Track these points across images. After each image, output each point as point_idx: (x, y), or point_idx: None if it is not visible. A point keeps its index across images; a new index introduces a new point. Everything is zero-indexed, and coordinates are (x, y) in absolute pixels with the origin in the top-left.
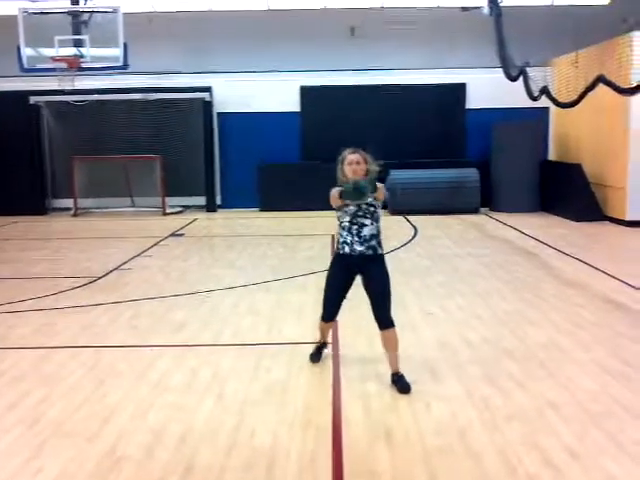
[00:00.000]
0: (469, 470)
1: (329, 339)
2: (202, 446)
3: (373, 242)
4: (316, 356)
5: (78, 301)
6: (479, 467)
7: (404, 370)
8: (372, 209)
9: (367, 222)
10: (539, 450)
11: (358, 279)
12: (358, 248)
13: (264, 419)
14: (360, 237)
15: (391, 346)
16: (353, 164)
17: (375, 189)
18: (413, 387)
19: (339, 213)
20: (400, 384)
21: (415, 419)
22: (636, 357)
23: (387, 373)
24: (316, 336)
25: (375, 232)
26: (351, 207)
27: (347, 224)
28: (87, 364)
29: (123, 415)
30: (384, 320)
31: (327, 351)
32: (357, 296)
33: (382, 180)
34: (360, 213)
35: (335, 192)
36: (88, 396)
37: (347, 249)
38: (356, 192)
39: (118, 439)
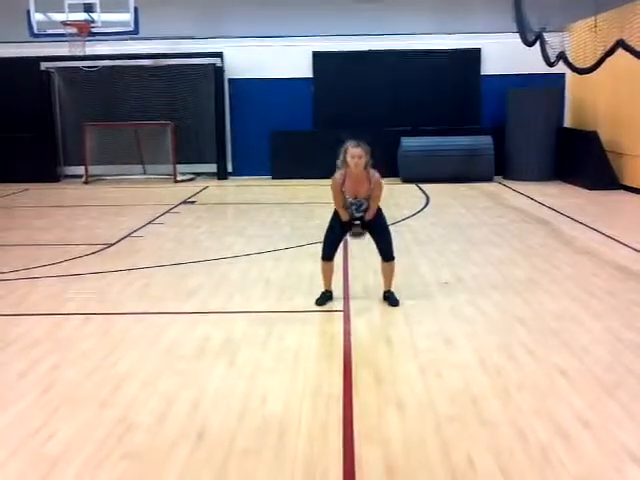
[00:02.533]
0: (481, 439)
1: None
2: (213, 413)
3: (368, 215)
4: (321, 301)
5: (90, 268)
6: (491, 436)
7: (418, 340)
8: (364, 204)
9: (364, 207)
10: (551, 419)
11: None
12: (357, 215)
13: (275, 386)
14: (358, 211)
15: (388, 273)
16: (356, 157)
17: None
18: (426, 355)
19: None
20: (390, 299)
21: (427, 387)
22: None
23: (398, 345)
24: (321, 283)
25: (370, 214)
26: (349, 198)
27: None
28: (99, 331)
29: (135, 382)
30: (387, 255)
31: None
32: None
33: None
34: (355, 205)
35: (338, 196)
36: (100, 363)
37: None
38: (356, 235)
39: (130, 406)
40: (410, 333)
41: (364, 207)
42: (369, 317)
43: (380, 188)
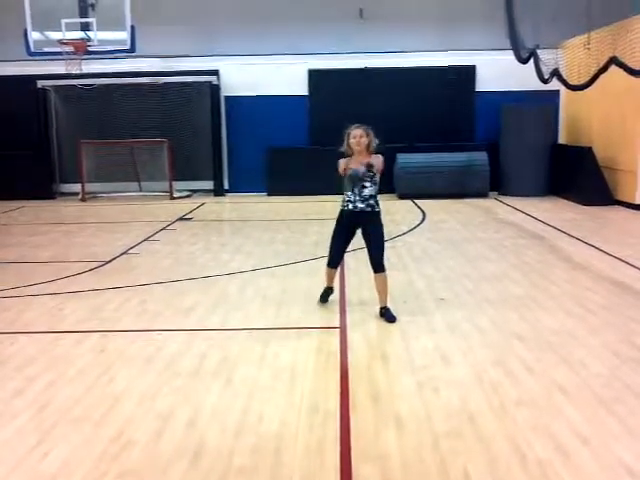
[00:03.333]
0: (479, 455)
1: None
2: (210, 431)
3: (371, 201)
4: (324, 297)
5: (86, 285)
6: (489, 452)
7: (415, 356)
8: (371, 174)
9: (367, 184)
10: (549, 435)
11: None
12: (360, 205)
13: (272, 404)
14: (361, 196)
15: (381, 287)
16: (357, 137)
17: (371, 170)
18: (423, 372)
19: (345, 178)
20: (387, 316)
21: (424, 403)
22: None
23: (395, 361)
24: (323, 281)
25: (373, 193)
26: (355, 174)
27: (351, 185)
28: (95, 349)
29: (131, 400)
30: (377, 266)
31: (333, 297)
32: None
33: (382, 153)
34: (366, 178)
35: (342, 165)
36: (96, 381)
37: (350, 206)
38: (354, 178)
39: (126, 424)
40: (407, 349)
41: (370, 168)
42: (365, 333)
43: (381, 164)
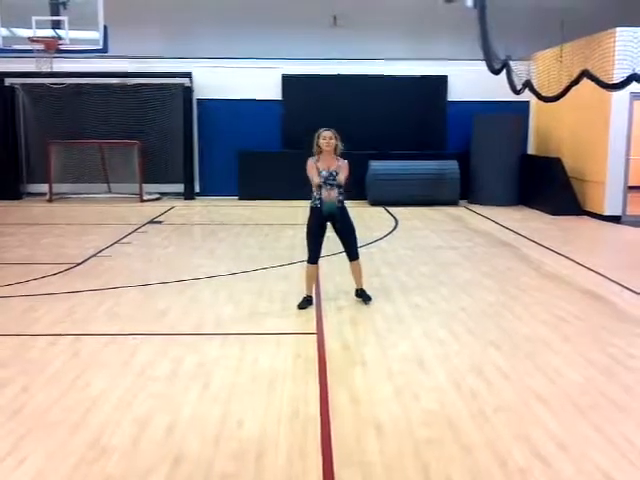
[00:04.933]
0: (460, 462)
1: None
2: (189, 437)
3: (340, 197)
4: (303, 305)
5: (57, 288)
6: (470, 459)
7: (392, 362)
8: (336, 177)
9: (334, 187)
10: (528, 442)
11: None
12: (330, 182)
13: (251, 409)
14: (330, 180)
15: (357, 272)
16: (327, 138)
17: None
18: (401, 378)
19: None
20: (363, 296)
21: (404, 410)
22: (618, 350)
23: (373, 367)
24: (302, 288)
25: (339, 193)
26: (323, 172)
27: (320, 187)
28: (68, 352)
29: (107, 405)
30: (352, 254)
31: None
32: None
33: (344, 156)
34: (329, 183)
35: (310, 165)
36: (70, 385)
37: (319, 204)
38: (328, 210)
39: (102, 429)
40: (384, 355)
41: (334, 176)
42: (343, 339)
43: (347, 169)
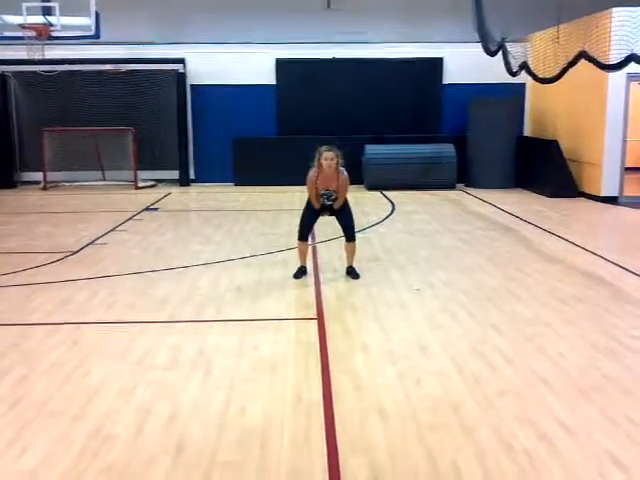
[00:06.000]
0: (465, 446)
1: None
2: (192, 425)
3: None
4: (297, 276)
5: (54, 276)
6: (475, 443)
7: (394, 347)
8: (334, 196)
9: (333, 197)
10: (532, 425)
11: None
12: (327, 203)
13: (254, 396)
14: (329, 200)
15: (350, 251)
16: (328, 159)
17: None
18: (403, 362)
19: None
20: (352, 273)
21: (407, 395)
22: (620, 332)
23: (375, 352)
24: (297, 261)
25: (338, 204)
26: (320, 191)
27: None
28: (67, 341)
29: (108, 393)
30: (350, 237)
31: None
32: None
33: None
34: (325, 199)
35: (311, 182)
36: (70, 374)
37: (322, 200)
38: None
39: (104, 418)
40: (386, 339)
41: (333, 197)
42: (343, 323)
43: (346, 186)
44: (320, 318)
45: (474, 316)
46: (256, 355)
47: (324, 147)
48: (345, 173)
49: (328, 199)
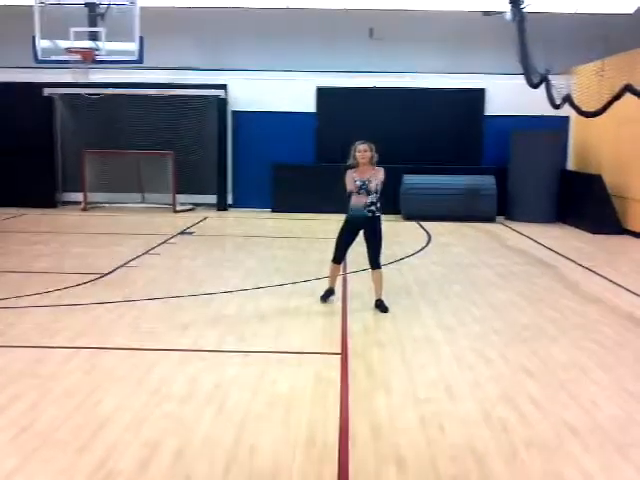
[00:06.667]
0: None
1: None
2: (199, 463)
3: (373, 207)
4: (324, 298)
5: (81, 299)
6: None
7: (419, 388)
8: (372, 184)
9: (366, 194)
10: None
11: None
12: (362, 211)
13: (266, 435)
14: (364, 203)
15: (377, 282)
16: (362, 151)
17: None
18: (427, 406)
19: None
20: (381, 307)
21: (428, 442)
22: None
23: (398, 394)
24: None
25: (375, 200)
26: (357, 182)
27: (354, 193)
28: (84, 367)
29: (118, 425)
30: (375, 263)
31: (334, 298)
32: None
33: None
34: (363, 191)
35: (349, 178)
36: (83, 402)
37: (355, 213)
38: (355, 215)
39: (110, 451)
40: (410, 380)
41: (367, 184)
42: (368, 360)
43: (382, 175)
44: (344, 353)
45: (505, 357)
46: (273, 391)
47: (358, 142)
48: (382, 169)
49: (362, 187)
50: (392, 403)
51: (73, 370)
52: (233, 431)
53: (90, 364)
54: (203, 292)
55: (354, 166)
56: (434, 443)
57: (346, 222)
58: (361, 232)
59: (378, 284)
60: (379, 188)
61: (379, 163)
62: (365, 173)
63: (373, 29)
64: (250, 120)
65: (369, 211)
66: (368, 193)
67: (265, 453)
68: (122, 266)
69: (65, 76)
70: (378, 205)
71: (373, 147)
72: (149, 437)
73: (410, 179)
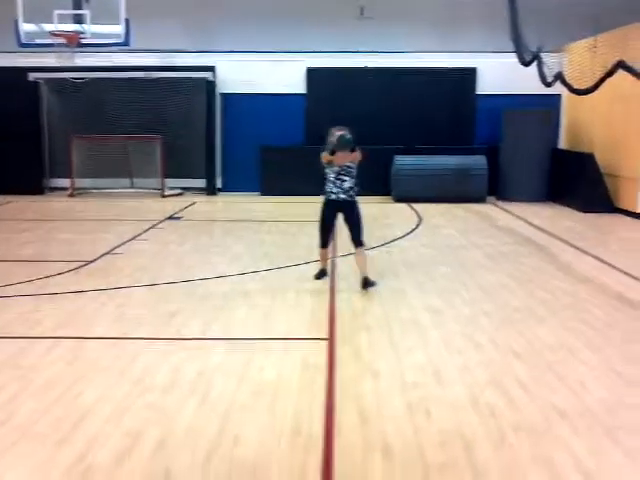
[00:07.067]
0: None
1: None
2: (181, 454)
3: (351, 192)
4: (319, 276)
5: (65, 287)
6: None
7: (406, 373)
8: (350, 169)
9: (346, 179)
10: (550, 468)
11: None
12: (342, 196)
13: (250, 425)
14: (342, 188)
15: (361, 261)
16: (339, 131)
17: (354, 148)
18: (415, 391)
19: (327, 170)
20: (368, 283)
21: (415, 429)
22: None
23: (386, 379)
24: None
25: (352, 185)
26: (335, 168)
27: (333, 179)
28: (67, 357)
29: (99, 416)
30: (357, 242)
31: (327, 278)
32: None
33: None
34: (342, 172)
35: (325, 152)
36: (63, 394)
37: (333, 197)
38: (342, 142)
39: (91, 443)
40: (398, 364)
41: (346, 168)
42: (355, 345)
43: (359, 153)
44: (331, 339)
45: (494, 340)
46: (259, 378)
47: (334, 127)
48: (357, 150)
49: (341, 171)
50: (379, 389)
51: (55, 360)
52: (217, 421)
53: (72, 355)
54: (190, 278)
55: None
56: (421, 430)
57: (325, 205)
58: (340, 216)
59: (362, 263)
60: (354, 173)
61: (369, 145)
62: (342, 160)
63: (364, 8)
64: (239, 102)
65: (349, 196)
66: (350, 176)
67: (249, 443)
68: (108, 253)
69: (50, 60)
70: (355, 189)
71: (349, 132)
72: (131, 428)
73: (401, 160)
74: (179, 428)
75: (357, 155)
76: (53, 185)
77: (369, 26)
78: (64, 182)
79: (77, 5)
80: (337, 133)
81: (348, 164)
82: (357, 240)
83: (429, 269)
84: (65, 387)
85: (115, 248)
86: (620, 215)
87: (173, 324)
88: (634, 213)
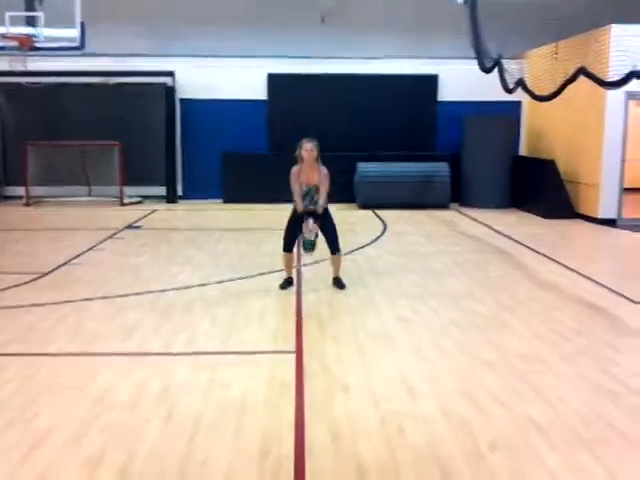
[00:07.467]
0: None
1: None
2: (144, 479)
3: (320, 203)
4: (285, 285)
5: (20, 300)
6: None
7: (377, 386)
8: (314, 204)
9: (316, 196)
10: None
11: None
12: (311, 207)
13: (217, 447)
14: (313, 201)
15: (336, 264)
16: (308, 150)
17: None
18: (386, 405)
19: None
20: (338, 284)
21: (389, 446)
22: (623, 370)
23: (356, 393)
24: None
25: (321, 202)
26: (304, 187)
27: (303, 194)
28: (21, 376)
29: (55, 441)
30: (333, 249)
31: (293, 287)
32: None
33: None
34: (312, 191)
35: (294, 176)
36: (18, 416)
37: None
38: (306, 246)
39: (44, 473)
40: (368, 377)
41: (315, 199)
42: (323, 358)
43: (327, 178)
44: (299, 352)
45: (464, 350)
46: (225, 396)
47: (305, 139)
48: (325, 169)
49: (311, 202)
50: (350, 404)
51: (8, 380)
52: (182, 443)
53: (27, 373)
54: (151, 289)
55: (299, 162)
56: (395, 446)
57: (293, 215)
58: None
59: (337, 265)
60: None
61: (332, 152)
62: (311, 175)
63: (325, 17)
64: (199, 108)
65: (320, 206)
66: (312, 201)
67: (216, 467)
68: (65, 264)
69: (2, 64)
70: (326, 203)
71: (318, 146)
72: (90, 453)
73: (364, 167)
74: (142, 452)
75: (325, 184)
76: (7, 194)
77: (330, 32)
78: (19, 191)
79: (30, 7)
80: (306, 145)
81: (313, 187)
82: (334, 248)
83: (396, 277)
84: (20, 409)
85: (72, 259)
86: (581, 221)
87: (134, 338)
88: (595, 219)
